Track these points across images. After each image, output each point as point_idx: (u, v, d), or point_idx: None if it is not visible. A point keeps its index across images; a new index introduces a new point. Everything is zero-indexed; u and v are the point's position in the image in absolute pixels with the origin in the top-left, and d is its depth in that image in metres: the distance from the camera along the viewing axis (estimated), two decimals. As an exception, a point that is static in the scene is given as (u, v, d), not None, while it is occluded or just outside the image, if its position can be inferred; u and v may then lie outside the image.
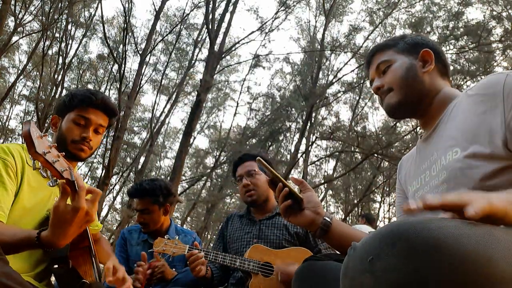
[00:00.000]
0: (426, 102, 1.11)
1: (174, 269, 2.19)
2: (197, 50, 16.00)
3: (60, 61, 13.99)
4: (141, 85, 14.33)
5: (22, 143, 1.28)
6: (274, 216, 2.08)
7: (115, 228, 14.88)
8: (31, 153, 0.96)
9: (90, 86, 16.76)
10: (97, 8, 14.16)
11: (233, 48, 14.25)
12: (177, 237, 1.92)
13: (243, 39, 13.97)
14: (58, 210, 1.07)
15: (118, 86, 11.60)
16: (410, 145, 12.89)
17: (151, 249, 1.91)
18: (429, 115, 1.11)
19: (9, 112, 18.12)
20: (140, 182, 2.32)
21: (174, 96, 16.58)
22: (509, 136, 0.86)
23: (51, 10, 11.99)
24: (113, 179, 16.31)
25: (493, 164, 0.87)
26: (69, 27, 13.91)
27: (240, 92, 18.14)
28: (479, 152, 0.89)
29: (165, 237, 1.88)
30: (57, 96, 13.25)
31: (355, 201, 16.85)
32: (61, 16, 12.55)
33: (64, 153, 1.07)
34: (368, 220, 5.19)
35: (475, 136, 0.91)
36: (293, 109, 14.87)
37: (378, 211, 17.90)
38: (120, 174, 17.34)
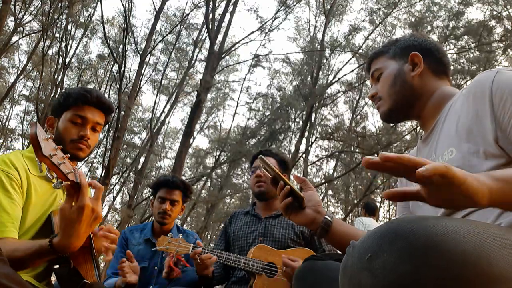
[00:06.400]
0: (419, 105, 1.11)
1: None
2: (197, 50, 16.02)
3: (60, 61, 13.99)
4: (141, 85, 14.35)
5: (29, 144, 1.27)
6: (280, 215, 2.08)
7: (115, 228, 14.83)
8: (38, 155, 0.96)
9: (90, 86, 16.73)
10: (95, 7, 14.18)
11: (233, 48, 14.26)
12: (180, 235, 1.92)
13: (243, 39, 13.99)
14: (64, 212, 1.07)
15: (118, 86, 11.60)
16: (410, 145, 12.89)
17: (154, 248, 1.90)
18: (426, 116, 1.11)
19: (9, 112, 18.14)
20: (172, 175, 2.53)
21: (174, 96, 16.59)
22: (499, 133, 0.86)
23: (51, 10, 11.98)
24: (113, 179, 16.33)
25: (488, 163, 0.86)
26: (69, 27, 13.91)
27: (240, 92, 18.18)
28: (473, 151, 0.89)
29: (169, 235, 1.88)
30: (57, 96, 13.23)
31: (355, 201, 16.85)
32: (61, 16, 12.54)
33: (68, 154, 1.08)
34: (368, 211, 5.02)
35: (469, 135, 0.91)
36: (293, 109, 14.86)
37: (378, 211, 17.91)
38: (120, 174, 17.33)
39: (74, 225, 1.07)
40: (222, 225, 2.34)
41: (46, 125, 1.47)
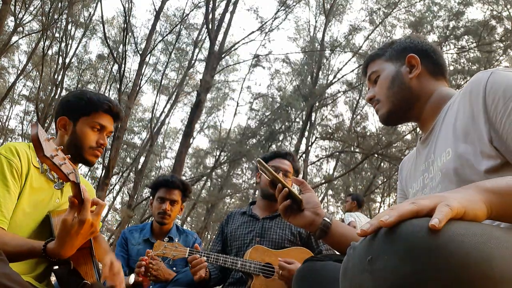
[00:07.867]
0: (418, 107, 1.11)
1: (174, 268, 2.20)
2: (197, 50, 16.01)
3: (60, 61, 13.99)
4: (141, 85, 14.34)
5: (28, 142, 1.29)
6: (277, 216, 2.07)
7: (115, 228, 14.88)
8: (39, 156, 0.98)
9: (90, 86, 16.77)
10: (95, 8, 14.18)
11: (233, 48, 14.26)
12: (176, 240, 1.93)
13: (243, 39, 13.99)
14: (66, 223, 1.12)
15: (118, 86, 11.61)
16: (411, 145, 12.88)
17: (152, 252, 1.91)
18: (425, 118, 1.11)
19: (9, 112, 18.13)
20: (172, 175, 2.53)
21: (174, 96, 16.59)
22: (493, 134, 0.86)
23: (51, 10, 11.99)
24: (113, 179, 16.34)
25: (484, 163, 0.87)
26: (69, 27, 13.90)
27: (240, 92, 18.18)
28: (470, 152, 0.89)
29: (165, 240, 1.88)
30: (57, 96, 13.25)
31: (355, 201, 16.80)
32: (61, 16, 12.54)
33: (72, 156, 1.11)
34: (359, 204, 5.07)
35: (465, 136, 0.91)
36: (293, 109, 14.86)
37: (378, 211, 17.91)
38: (120, 174, 17.35)
39: (72, 237, 1.13)
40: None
41: (57, 124, 1.48)
